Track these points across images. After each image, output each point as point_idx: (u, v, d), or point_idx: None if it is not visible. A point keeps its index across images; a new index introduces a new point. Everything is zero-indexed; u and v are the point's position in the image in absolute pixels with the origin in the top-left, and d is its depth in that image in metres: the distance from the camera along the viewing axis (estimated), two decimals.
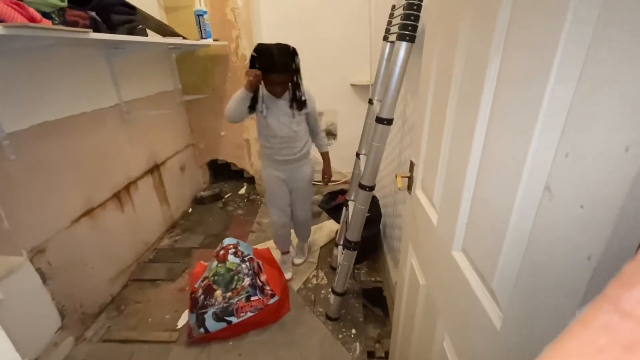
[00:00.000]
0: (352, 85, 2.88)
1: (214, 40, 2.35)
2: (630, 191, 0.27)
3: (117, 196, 1.92)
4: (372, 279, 1.97)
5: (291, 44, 1.46)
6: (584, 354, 0.11)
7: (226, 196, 3.05)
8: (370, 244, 2.00)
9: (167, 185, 2.48)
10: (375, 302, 1.83)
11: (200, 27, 2.22)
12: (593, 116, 0.32)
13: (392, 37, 1.43)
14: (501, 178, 0.49)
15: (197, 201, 2.94)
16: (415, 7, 1.05)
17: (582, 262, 0.32)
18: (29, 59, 1.37)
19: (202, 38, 2.25)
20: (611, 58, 0.29)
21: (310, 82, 2.94)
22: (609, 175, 0.29)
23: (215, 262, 1.70)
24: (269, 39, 2.79)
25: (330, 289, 1.70)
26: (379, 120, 1.21)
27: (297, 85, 1.53)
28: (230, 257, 1.69)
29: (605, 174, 0.30)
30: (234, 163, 3.04)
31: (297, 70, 1.50)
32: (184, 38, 2.08)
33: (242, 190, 3.14)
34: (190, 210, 2.85)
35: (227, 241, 1.78)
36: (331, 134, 3.14)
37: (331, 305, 1.67)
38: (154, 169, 2.32)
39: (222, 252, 1.73)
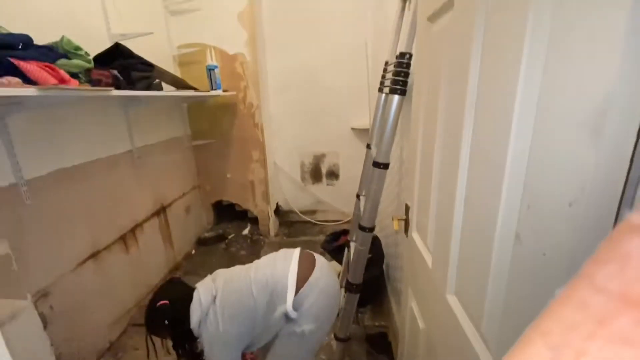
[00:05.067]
0: (352, 129, 3.02)
1: (224, 91, 2.53)
2: (579, 242, 0.31)
3: (122, 238, 1.95)
4: (377, 323, 1.91)
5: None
6: (561, 330, 0.12)
7: (230, 237, 3.06)
8: (374, 286, 1.96)
9: (172, 227, 2.52)
10: (380, 348, 1.75)
11: (211, 80, 2.40)
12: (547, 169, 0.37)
13: (386, 90, 1.55)
14: (480, 222, 0.53)
15: (201, 242, 2.94)
16: (404, 65, 1.16)
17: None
18: (52, 110, 1.49)
19: (212, 89, 2.42)
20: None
21: (314, 125, 3.15)
22: (562, 227, 0.34)
23: None
24: (275, 87, 3.00)
25: (332, 335, 1.65)
26: (376, 164, 1.27)
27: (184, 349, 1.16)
28: None
29: (557, 225, 0.34)
30: (239, 204, 3.10)
31: (174, 333, 1.13)
32: (196, 90, 2.25)
33: (246, 231, 3.15)
34: (193, 251, 2.85)
35: None
36: (334, 174, 3.23)
37: (334, 352, 1.61)
38: (160, 211, 2.38)
39: None
